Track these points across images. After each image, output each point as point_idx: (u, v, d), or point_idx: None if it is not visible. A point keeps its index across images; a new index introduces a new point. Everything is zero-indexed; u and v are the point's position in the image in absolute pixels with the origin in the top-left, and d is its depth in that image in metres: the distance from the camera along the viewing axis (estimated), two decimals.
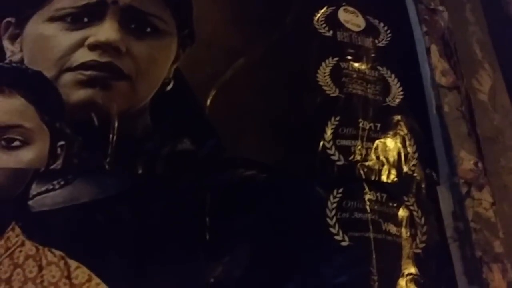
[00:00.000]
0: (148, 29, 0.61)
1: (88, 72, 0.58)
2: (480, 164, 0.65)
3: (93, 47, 0.58)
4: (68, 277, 0.49)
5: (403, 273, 0.57)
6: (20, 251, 0.49)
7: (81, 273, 0.49)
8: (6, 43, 0.60)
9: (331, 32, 0.69)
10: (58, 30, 0.59)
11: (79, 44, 0.59)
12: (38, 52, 0.59)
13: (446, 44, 0.73)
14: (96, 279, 0.49)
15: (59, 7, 0.60)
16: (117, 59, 0.59)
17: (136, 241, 0.52)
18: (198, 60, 0.63)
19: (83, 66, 0.58)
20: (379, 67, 0.69)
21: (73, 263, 0.50)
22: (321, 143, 0.61)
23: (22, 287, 0.48)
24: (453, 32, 0.74)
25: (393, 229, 0.59)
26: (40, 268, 0.49)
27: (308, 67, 0.66)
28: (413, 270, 0.58)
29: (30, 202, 0.52)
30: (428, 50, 0.72)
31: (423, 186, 0.63)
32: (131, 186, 0.55)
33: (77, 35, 0.59)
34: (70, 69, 0.58)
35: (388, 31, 0.72)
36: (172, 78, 0.62)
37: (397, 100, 0.67)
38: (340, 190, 0.59)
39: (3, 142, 0.52)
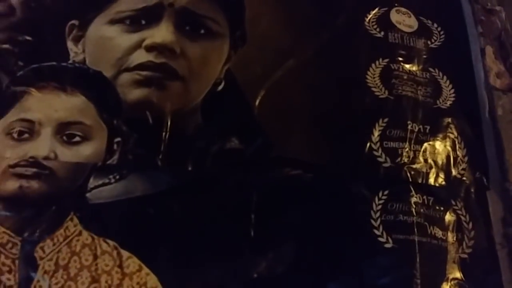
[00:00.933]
0: (202, 31, 0.63)
1: (144, 73, 0.60)
2: None
3: (149, 49, 0.61)
4: (120, 266, 0.52)
5: (448, 277, 0.56)
6: (78, 240, 0.53)
7: (132, 263, 0.52)
8: (70, 45, 0.63)
9: (382, 33, 0.69)
10: (117, 32, 0.62)
11: (137, 46, 0.61)
12: (99, 53, 0.62)
13: (502, 45, 0.71)
14: (146, 269, 0.52)
15: (119, 10, 0.62)
16: (172, 60, 0.61)
17: (184, 234, 0.54)
18: (248, 61, 0.65)
19: (140, 66, 0.60)
20: (430, 69, 0.67)
21: (125, 253, 0.52)
22: (368, 144, 0.61)
23: (78, 274, 0.51)
24: (510, 33, 0.72)
25: (439, 233, 0.58)
26: (95, 256, 0.52)
27: (357, 68, 0.66)
28: (458, 275, 0.57)
29: (87, 195, 0.55)
30: (482, 51, 0.70)
31: (472, 190, 0.62)
32: (181, 182, 0.57)
33: (135, 37, 0.61)
34: (128, 70, 0.60)
35: (442, 32, 0.71)
36: (223, 78, 0.63)
37: (449, 102, 0.66)
38: (386, 192, 0.58)
39: (64, 137, 0.55)
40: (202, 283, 0.53)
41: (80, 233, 0.53)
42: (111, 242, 0.53)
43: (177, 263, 0.53)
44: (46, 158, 0.54)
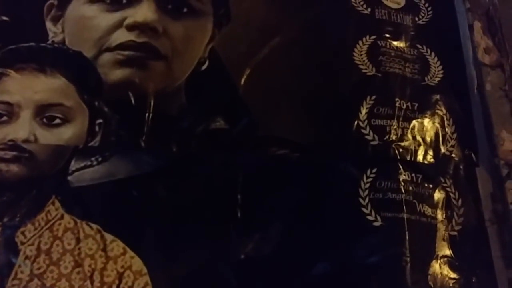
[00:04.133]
0: (185, 9, 0.62)
1: (126, 52, 0.59)
2: None
3: (131, 28, 0.59)
4: (104, 249, 0.51)
5: (437, 255, 0.56)
6: (60, 224, 0.52)
7: (116, 246, 0.51)
8: (49, 25, 0.62)
9: (369, 9, 0.67)
10: (98, 11, 0.60)
11: (118, 25, 0.60)
12: (79, 33, 0.61)
13: (490, 20, 0.70)
14: (130, 253, 0.51)
15: None
16: (154, 39, 0.59)
17: (169, 216, 0.53)
18: (233, 39, 0.63)
19: (121, 46, 0.59)
20: (418, 45, 0.66)
21: (109, 237, 0.51)
22: (356, 122, 0.60)
23: (61, 258, 0.50)
24: (498, 8, 0.71)
25: (428, 210, 0.58)
26: (78, 240, 0.51)
27: (344, 45, 0.64)
28: (448, 252, 0.56)
29: (69, 178, 0.53)
30: (471, 27, 0.69)
31: (461, 167, 0.61)
32: (166, 163, 0.56)
33: (116, 16, 0.60)
34: (109, 49, 0.59)
35: (429, 8, 0.70)
36: (207, 57, 0.62)
37: (437, 79, 0.65)
38: (374, 170, 0.58)
39: (44, 119, 0.54)
40: (188, 265, 0.52)
41: (62, 217, 0.52)
42: (94, 226, 0.52)
43: (162, 246, 0.52)
44: (26, 141, 0.53)
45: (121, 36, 0.59)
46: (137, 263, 0.51)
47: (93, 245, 0.51)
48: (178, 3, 0.61)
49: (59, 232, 0.51)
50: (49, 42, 0.60)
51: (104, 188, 0.54)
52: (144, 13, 0.60)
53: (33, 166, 0.53)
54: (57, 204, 0.52)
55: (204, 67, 0.62)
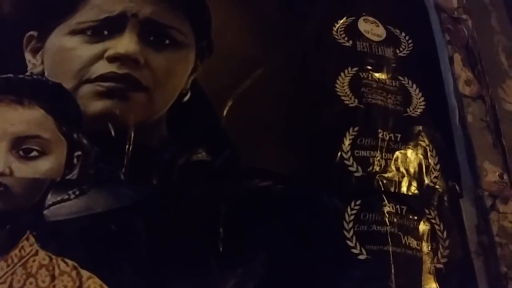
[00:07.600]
0: (167, 41, 0.61)
1: (106, 84, 0.58)
2: (505, 176, 0.63)
3: (112, 59, 0.59)
4: (80, 287, 0.49)
5: None
6: (34, 261, 0.50)
7: (93, 283, 0.49)
8: (28, 56, 0.61)
9: (350, 42, 0.68)
10: (78, 43, 0.60)
11: (99, 57, 0.59)
12: (59, 65, 0.60)
13: (470, 53, 0.71)
14: None
15: (80, 20, 0.60)
16: (135, 71, 0.59)
17: (149, 251, 0.52)
18: (215, 71, 0.63)
19: (102, 77, 0.58)
20: (400, 77, 0.67)
21: (85, 273, 0.49)
22: (339, 154, 0.60)
23: None
24: (477, 41, 0.72)
25: (413, 242, 0.57)
26: (53, 278, 0.49)
27: (326, 77, 0.65)
28: (434, 285, 0.56)
29: (45, 212, 0.52)
30: (451, 59, 0.70)
31: (445, 198, 0.61)
32: (146, 196, 0.55)
33: (97, 48, 0.59)
34: (89, 81, 0.58)
35: (410, 41, 0.71)
36: (189, 89, 0.62)
37: (419, 111, 0.65)
38: (358, 202, 0.57)
39: (21, 152, 0.53)
40: None
41: (36, 253, 0.50)
42: (70, 262, 0.50)
43: (141, 282, 0.51)
44: (1, 174, 0.52)
45: (102, 67, 0.59)
46: None
47: (69, 282, 0.49)
48: (160, 35, 0.61)
49: (33, 269, 0.49)
50: (28, 73, 0.60)
51: (81, 223, 0.52)
52: (125, 44, 0.59)
53: (8, 200, 0.51)
54: (32, 239, 0.50)
55: (186, 98, 0.61)
